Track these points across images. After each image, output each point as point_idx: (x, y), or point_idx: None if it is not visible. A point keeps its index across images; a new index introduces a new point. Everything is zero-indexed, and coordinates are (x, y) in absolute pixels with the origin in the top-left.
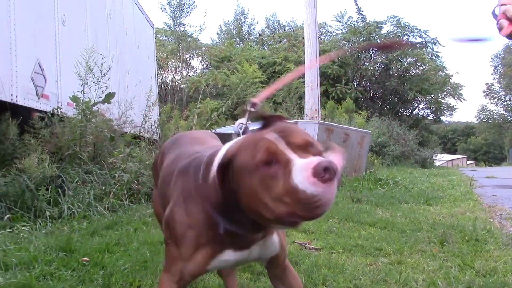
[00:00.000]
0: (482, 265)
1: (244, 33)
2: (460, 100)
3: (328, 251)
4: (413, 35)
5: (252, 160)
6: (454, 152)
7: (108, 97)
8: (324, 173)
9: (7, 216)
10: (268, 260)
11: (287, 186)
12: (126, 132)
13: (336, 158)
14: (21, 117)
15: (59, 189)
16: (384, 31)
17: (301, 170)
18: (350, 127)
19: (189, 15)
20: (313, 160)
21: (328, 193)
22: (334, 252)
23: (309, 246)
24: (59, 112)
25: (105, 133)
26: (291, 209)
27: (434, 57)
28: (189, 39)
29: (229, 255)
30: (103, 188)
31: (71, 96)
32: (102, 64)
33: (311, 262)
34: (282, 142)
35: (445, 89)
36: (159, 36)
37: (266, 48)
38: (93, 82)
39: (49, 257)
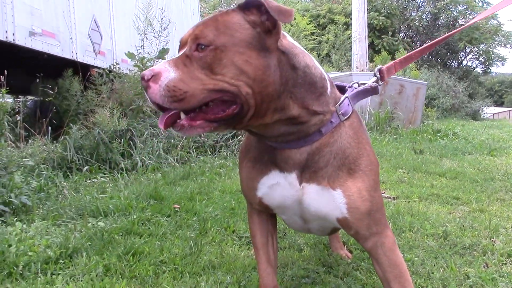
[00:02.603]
0: None
1: None
2: None
3: (405, 200)
4: None
5: None
6: (501, 104)
7: (163, 53)
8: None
9: (86, 168)
10: (339, 226)
11: None
12: None
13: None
14: (81, 74)
15: (130, 142)
16: None
17: None
18: (405, 78)
19: None
20: (154, 65)
21: (147, 94)
22: (410, 200)
23: (385, 195)
24: (116, 68)
25: None
26: None
27: (485, 4)
28: None
29: (276, 177)
30: (171, 141)
31: (126, 53)
32: (162, 19)
33: (393, 210)
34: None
35: (496, 38)
36: None
37: (309, 1)
38: (154, 37)
39: (142, 205)
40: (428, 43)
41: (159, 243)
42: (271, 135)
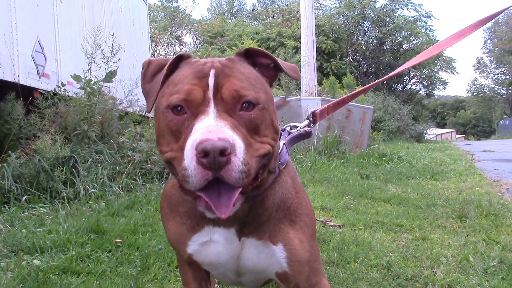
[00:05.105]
0: (508, 240)
1: (236, 8)
2: (454, 73)
3: (350, 228)
4: (407, 9)
5: (165, 101)
6: (443, 126)
7: (110, 76)
8: (201, 153)
9: (24, 197)
10: (277, 279)
11: (182, 143)
12: (127, 113)
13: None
14: (22, 98)
15: (73, 169)
16: (378, 5)
17: (195, 136)
18: (352, 103)
19: None
20: (207, 130)
21: (197, 176)
22: (356, 228)
23: (331, 223)
24: (61, 91)
25: (114, 112)
26: (176, 166)
27: (427, 30)
28: (181, 15)
29: (210, 233)
30: (116, 168)
31: (72, 75)
32: (112, 44)
33: (338, 240)
34: (209, 90)
35: (438, 64)
36: (150, 12)
37: (259, 24)
38: (103, 61)
39: (82, 239)
40: (361, 88)
41: (98, 282)
42: None
